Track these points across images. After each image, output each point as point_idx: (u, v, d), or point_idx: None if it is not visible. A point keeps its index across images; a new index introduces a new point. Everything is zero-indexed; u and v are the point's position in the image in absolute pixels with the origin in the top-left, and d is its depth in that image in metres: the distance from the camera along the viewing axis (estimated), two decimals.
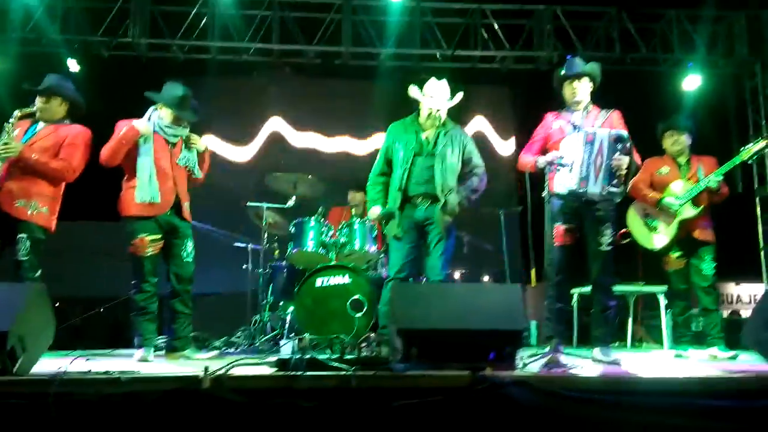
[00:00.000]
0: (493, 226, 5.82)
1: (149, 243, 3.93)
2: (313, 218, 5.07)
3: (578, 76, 4.05)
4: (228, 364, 2.71)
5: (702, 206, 4.52)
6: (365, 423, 2.57)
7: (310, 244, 5.01)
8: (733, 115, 8.24)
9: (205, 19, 7.54)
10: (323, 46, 7.69)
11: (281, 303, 5.13)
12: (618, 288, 5.73)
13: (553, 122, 4.08)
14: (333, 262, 4.92)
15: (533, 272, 4.66)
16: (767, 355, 3.17)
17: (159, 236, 3.99)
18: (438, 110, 4.03)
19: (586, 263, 3.84)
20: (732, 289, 8.40)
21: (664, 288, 5.28)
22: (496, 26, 7.78)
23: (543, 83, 7.72)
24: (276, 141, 8.60)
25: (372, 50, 7.77)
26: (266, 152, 8.55)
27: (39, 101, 4.00)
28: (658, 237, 4.64)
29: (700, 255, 4.58)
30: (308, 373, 2.65)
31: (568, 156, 3.70)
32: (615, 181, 3.68)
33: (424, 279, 4.03)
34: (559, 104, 4.22)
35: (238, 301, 5.74)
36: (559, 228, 3.78)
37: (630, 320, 5.95)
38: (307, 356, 2.76)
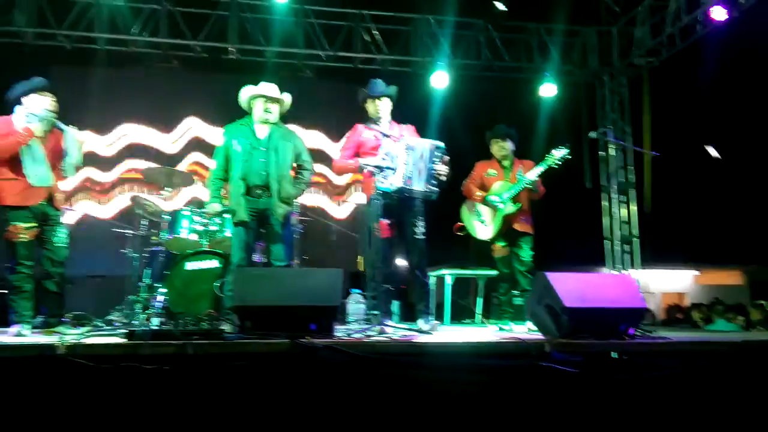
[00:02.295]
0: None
1: (23, 230, 4.31)
2: (187, 207, 5.55)
3: (380, 97, 4.71)
4: (81, 334, 3.22)
5: (520, 203, 5.35)
6: (200, 384, 3.14)
7: (183, 231, 5.50)
8: (586, 120, 9.27)
9: (92, 10, 7.76)
10: (210, 42, 8.07)
11: (156, 285, 5.58)
12: (459, 271, 6.63)
13: (363, 131, 4.73)
14: (204, 248, 5.43)
15: (360, 259, 5.36)
16: (537, 324, 3.98)
17: (33, 224, 4.37)
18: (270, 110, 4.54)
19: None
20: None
21: (491, 272, 6.10)
22: (374, 31, 8.42)
23: (416, 85, 8.52)
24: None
25: (258, 47, 8.23)
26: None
27: None
28: (485, 229, 5.45)
29: (519, 244, 5.41)
30: (151, 342, 3.20)
31: (391, 159, 4.38)
32: (434, 182, 4.43)
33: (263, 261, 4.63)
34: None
35: (119, 283, 6.14)
36: (383, 223, 4.44)
37: (479, 300, 6.78)
38: (151, 328, 3.31)
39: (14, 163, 4.30)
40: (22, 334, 4.21)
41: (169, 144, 8.77)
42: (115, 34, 7.88)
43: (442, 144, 4.52)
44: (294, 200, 4.65)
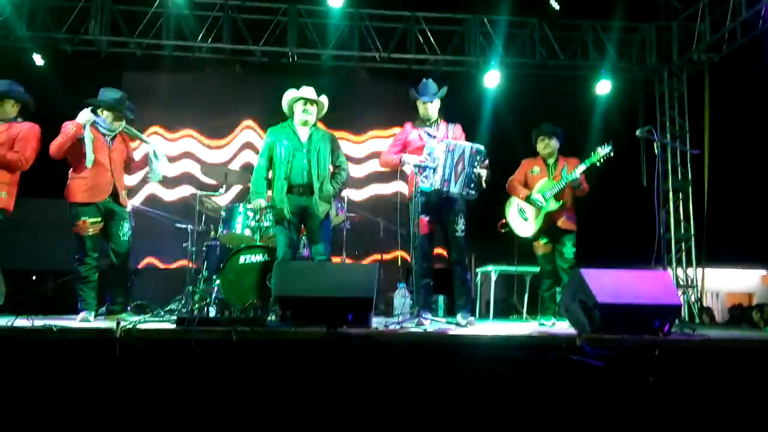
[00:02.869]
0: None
1: (90, 225, 4.72)
2: (242, 204, 5.86)
3: (432, 99, 4.85)
4: (137, 320, 3.53)
5: (563, 200, 5.38)
6: (242, 366, 3.39)
7: (238, 227, 5.82)
8: (643, 117, 9.11)
9: (161, 19, 8.25)
10: (270, 46, 8.42)
11: (213, 277, 5.93)
12: (503, 268, 6.69)
13: (411, 131, 4.90)
14: (256, 243, 5.73)
15: (403, 255, 5.52)
16: (571, 320, 4.04)
17: (99, 219, 4.77)
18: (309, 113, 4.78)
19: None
20: None
21: (534, 269, 6.15)
22: (428, 32, 8.56)
23: (470, 84, 8.61)
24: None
25: (316, 51, 8.52)
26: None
27: None
28: (529, 226, 5.51)
29: (562, 241, 5.45)
30: (198, 327, 3.47)
31: (432, 160, 4.54)
32: (473, 185, 4.54)
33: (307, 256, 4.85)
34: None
35: (180, 274, 6.54)
36: (423, 220, 4.60)
37: (526, 297, 6.82)
38: (199, 316, 3.58)
39: (81, 162, 4.72)
40: (87, 320, 4.62)
41: (224, 146, 9.27)
42: (181, 41, 8.32)
43: (482, 147, 4.61)
44: (333, 198, 4.87)
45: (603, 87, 8.79)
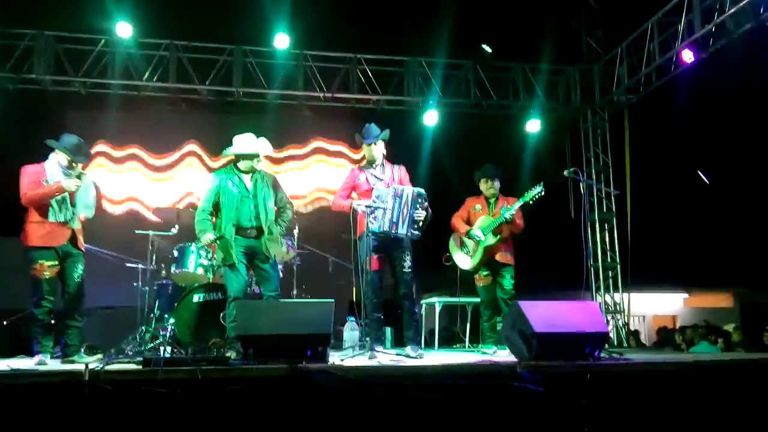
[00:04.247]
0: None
1: (47, 268, 4.78)
2: (194, 243, 6.01)
3: (374, 141, 5.17)
4: (104, 362, 3.66)
5: (500, 235, 5.80)
6: (208, 404, 3.56)
7: (191, 266, 5.97)
8: (570, 154, 9.78)
9: (106, 57, 8.33)
10: (216, 86, 8.63)
11: (165, 316, 6.03)
12: (446, 299, 7.06)
13: (359, 174, 5.21)
14: (210, 281, 5.89)
15: (353, 289, 5.81)
16: (511, 348, 4.40)
17: (56, 262, 4.84)
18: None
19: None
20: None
21: (475, 300, 6.53)
22: (370, 72, 8.98)
23: (410, 122, 9.05)
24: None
25: (261, 90, 8.78)
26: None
27: None
28: (469, 260, 5.91)
29: (501, 274, 5.87)
30: (164, 368, 3.63)
31: (381, 203, 4.85)
32: (415, 226, 4.88)
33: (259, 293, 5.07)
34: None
35: (130, 314, 6.58)
36: (373, 257, 4.91)
37: (468, 326, 7.20)
38: (165, 356, 3.74)
39: (41, 208, 4.79)
40: (43, 363, 4.65)
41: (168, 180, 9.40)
42: (127, 80, 8.41)
43: (423, 191, 4.96)
44: (282, 236, 5.12)
45: (533, 125, 9.40)
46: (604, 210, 9.64)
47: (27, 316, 5.83)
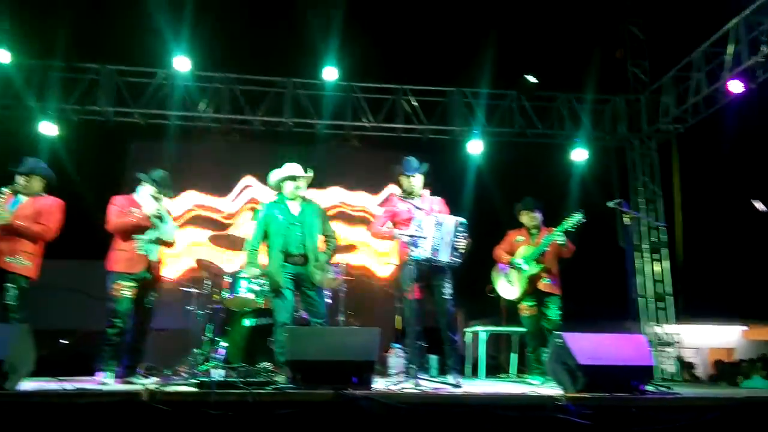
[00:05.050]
0: None
1: (124, 290, 5.06)
2: (245, 270, 6.21)
3: (414, 174, 5.29)
4: (161, 384, 3.85)
5: (543, 264, 5.83)
6: (258, 427, 3.71)
7: (242, 291, 6.17)
8: (617, 182, 9.72)
9: (165, 90, 8.75)
10: (268, 116, 8.95)
11: (218, 339, 6.23)
12: (491, 328, 7.08)
13: (398, 203, 5.32)
14: (261, 306, 6.08)
15: (397, 318, 5.91)
16: (555, 380, 4.42)
17: (134, 285, 5.11)
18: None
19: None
20: None
21: (520, 329, 6.53)
22: (414, 103, 9.17)
23: (454, 151, 9.18)
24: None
25: (311, 121, 9.06)
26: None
27: (21, 179, 5.10)
28: (513, 290, 5.94)
29: (546, 304, 5.88)
30: (217, 391, 3.80)
31: (422, 232, 4.95)
32: (456, 254, 4.97)
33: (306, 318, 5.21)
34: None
35: (186, 337, 6.82)
36: (415, 286, 5.00)
37: (513, 356, 7.18)
38: (218, 379, 3.91)
39: (125, 235, 5.14)
40: (105, 383, 4.89)
41: (228, 204, 9.71)
42: (184, 111, 8.81)
43: (464, 221, 5.05)
44: (326, 265, 5.24)
45: (579, 154, 9.40)
46: (655, 239, 9.49)
47: (86, 336, 6.17)
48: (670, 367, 8.94)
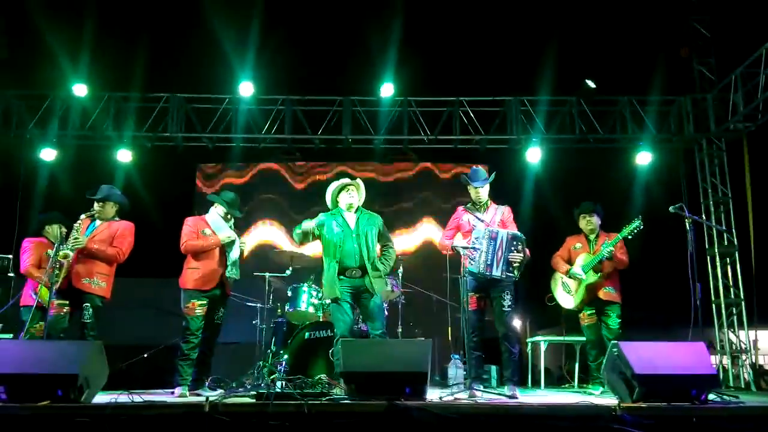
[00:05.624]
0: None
1: (198, 307, 5.37)
2: (305, 284, 6.44)
3: (483, 184, 5.30)
4: (223, 395, 4.06)
5: (602, 273, 5.73)
6: None
7: (303, 305, 6.38)
8: (685, 184, 9.38)
9: (230, 115, 9.16)
10: (328, 134, 9.21)
11: (281, 351, 6.45)
12: (551, 338, 6.99)
13: (463, 215, 5.35)
14: (320, 319, 6.26)
15: (449, 328, 5.94)
16: (612, 390, 4.35)
17: (205, 302, 5.43)
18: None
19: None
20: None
21: (580, 339, 6.42)
22: (472, 114, 9.20)
23: (513, 160, 9.14)
24: None
25: (368, 137, 9.25)
26: None
27: (97, 206, 5.49)
28: (572, 299, 5.87)
29: (607, 313, 5.78)
30: (274, 402, 3.96)
31: (478, 245, 4.99)
32: (510, 269, 4.95)
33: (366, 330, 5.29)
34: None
35: (251, 350, 7.10)
36: (473, 297, 5.03)
37: (576, 366, 7.07)
38: (275, 390, 4.08)
39: (197, 255, 5.46)
40: (184, 395, 5.18)
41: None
42: (248, 134, 9.18)
43: (519, 234, 5.03)
44: (386, 275, 5.32)
45: (643, 158, 9.15)
46: (725, 243, 9.12)
47: (164, 350, 6.52)
48: (745, 374, 8.53)
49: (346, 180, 5.35)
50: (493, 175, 5.41)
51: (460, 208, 5.45)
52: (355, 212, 5.28)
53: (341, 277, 5.10)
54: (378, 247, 5.31)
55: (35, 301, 5.44)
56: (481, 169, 5.43)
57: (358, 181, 5.38)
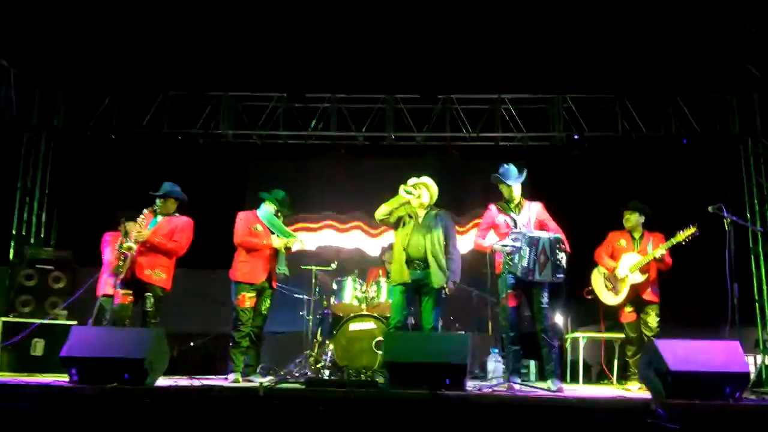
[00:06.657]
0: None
1: (247, 299, 5.72)
2: (350, 277, 6.73)
3: (515, 182, 5.43)
4: (275, 382, 4.36)
5: (647, 274, 5.83)
6: (358, 423, 4.10)
7: (347, 297, 6.67)
8: (728, 183, 9.27)
9: (278, 111, 9.48)
10: (372, 131, 9.45)
11: (326, 342, 6.76)
12: (590, 334, 7.10)
13: (497, 215, 5.48)
14: (363, 312, 6.54)
15: (489, 323, 6.11)
16: (647, 386, 4.49)
17: (254, 295, 5.78)
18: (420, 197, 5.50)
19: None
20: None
21: (619, 335, 6.51)
22: (513, 111, 9.31)
23: (555, 157, 9.21)
24: None
25: (411, 134, 9.46)
26: None
27: (158, 201, 5.85)
28: (614, 297, 5.98)
29: (647, 311, 5.89)
30: (323, 388, 4.25)
31: (519, 246, 5.09)
32: (559, 270, 5.06)
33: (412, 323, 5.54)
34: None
35: (298, 339, 7.43)
36: (510, 294, 5.20)
37: (615, 362, 7.17)
38: (323, 378, 4.36)
39: (249, 250, 5.84)
40: (237, 381, 5.53)
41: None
42: (294, 131, 9.49)
43: (559, 236, 5.17)
44: (446, 272, 5.47)
45: (687, 156, 9.11)
46: None
47: (213, 338, 6.90)
48: None
49: (413, 180, 5.60)
50: (524, 173, 5.49)
51: (492, 206, 5.56)
52: (425, 209, 5.52)
53: (406, 265, 5.37)
54: (443, 243, 5.49)
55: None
56: (513, 167, 5.51)
57: (427, 179, 5.62)
